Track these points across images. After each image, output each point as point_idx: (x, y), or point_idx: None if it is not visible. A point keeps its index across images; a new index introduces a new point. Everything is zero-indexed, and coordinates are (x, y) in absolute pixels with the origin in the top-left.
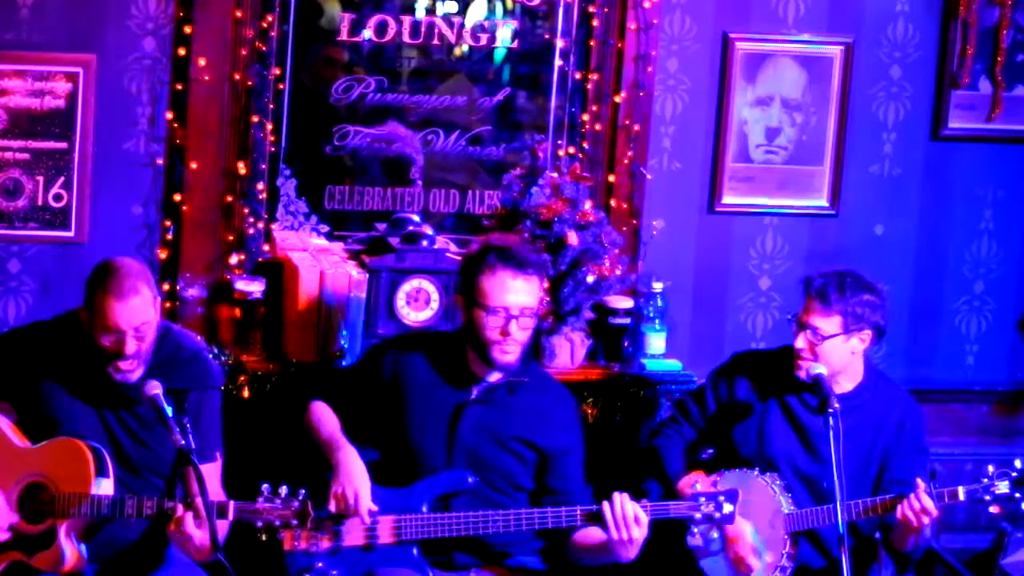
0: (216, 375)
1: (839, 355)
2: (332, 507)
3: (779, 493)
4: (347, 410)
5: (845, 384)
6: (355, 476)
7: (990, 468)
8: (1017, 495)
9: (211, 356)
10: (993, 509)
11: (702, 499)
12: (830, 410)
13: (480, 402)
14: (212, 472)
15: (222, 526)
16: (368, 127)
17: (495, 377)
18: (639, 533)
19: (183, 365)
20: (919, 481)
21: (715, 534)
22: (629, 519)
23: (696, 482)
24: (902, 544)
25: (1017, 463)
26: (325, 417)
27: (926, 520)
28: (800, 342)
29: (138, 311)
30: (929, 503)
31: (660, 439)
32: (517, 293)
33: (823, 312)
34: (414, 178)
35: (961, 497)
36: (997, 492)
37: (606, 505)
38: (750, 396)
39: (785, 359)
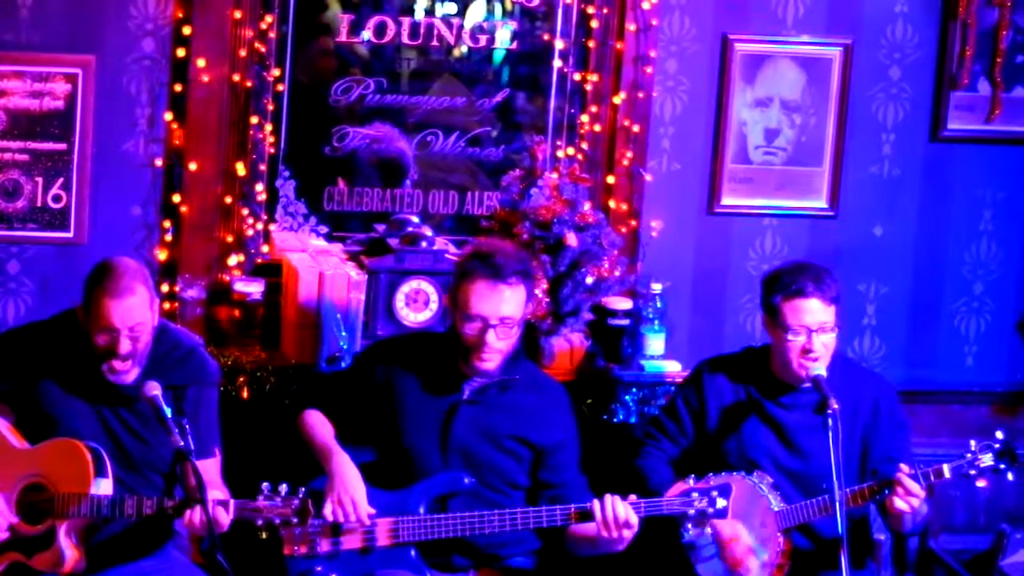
0: (213, 371)
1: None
2: (329, 514)
3: (767, 492)
4: (342, 413)
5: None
6: (350, 482)
7: (972, 443)
8: (1002, 466)
9: (208, 353)
10: (980, 483)
11: (695, 494)
12: (829, 411)
13: (472, 402)
14: (212, 467)
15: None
16: (360, 127)
17: (485, 376)
18: (629, 533)
19: (180, 361)
20: (902, 466)
21: (708, 530)
22: (620, 520)
23: (687, 480)
24: (899, 526)
25: (999, 435)
26: (318, 425)
27: (915, 503)
28: (816, 344)
29: (133, 311)
30: (914, 486)
31: (640, 459)
32: (495, 303)
33: (826, 304)
34: (405, 179)
35: (947, 474)
36: (982, 465)
37: (596, 505)
38: (721, 401)
39: (751, 361)
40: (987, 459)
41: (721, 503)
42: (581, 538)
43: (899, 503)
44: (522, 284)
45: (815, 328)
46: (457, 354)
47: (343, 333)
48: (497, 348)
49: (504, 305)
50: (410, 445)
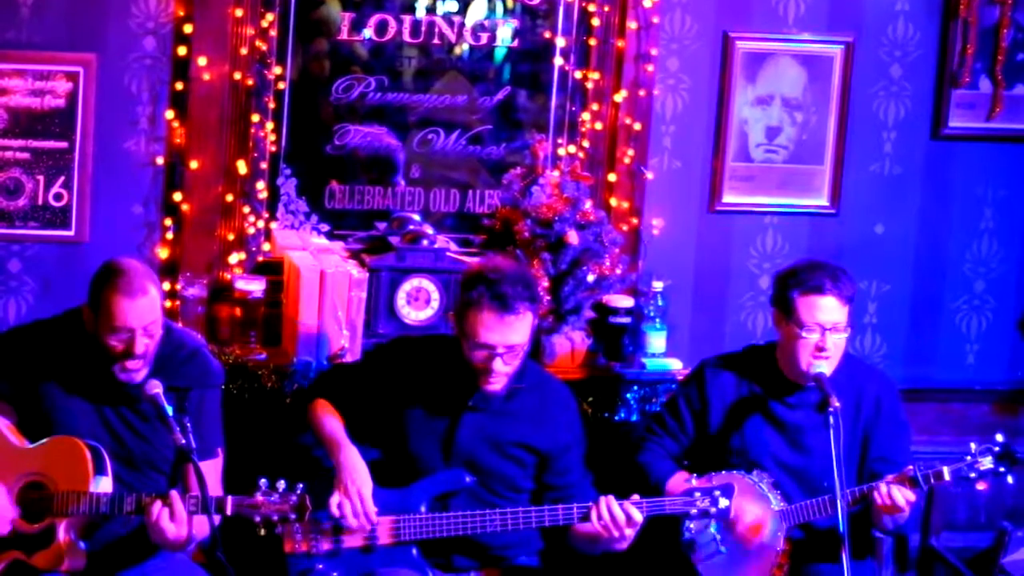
0: (216, 373)
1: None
2: (335, 507)
3: (768, 490)
4: (348, 410)
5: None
6: (358, 477)
7: (972, 446)
8: (1002, 469)
9: (211, 354)
10: (980, 486)
11: (697, 494)
12: (830, 409)
13: (477, 410)
14: (213, 468)
15: (203, 526)
16: (360, 125)
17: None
18: (631, 532)
19: (184, 363)
20: (889, 477)
21: (712, 529)
22: (620, 521)
23: (690, 479)
24: (878, 522)
25: (998, 437)
26: (327, 416)
27: (896, 512)
28: (828, 342)
29: (148, 310)
30: (898, 497)
31: (641, 455)
32: (503, 333)
33: (842, 304)
34: (396, 177)
35: (947, 477)
36: (982, 468)
37: (593, 511)
38: (723, 400)
39: (754, 359)
40: (987, 462)
41: (723, 503)
42: (584, 536)
43: (883, 507)
44: (530, 311)
45: (829, 327)
46: (462, 361)
47: (344, 332)
48: (504, 372)
49: (513, 335)
50: (415, 451)
